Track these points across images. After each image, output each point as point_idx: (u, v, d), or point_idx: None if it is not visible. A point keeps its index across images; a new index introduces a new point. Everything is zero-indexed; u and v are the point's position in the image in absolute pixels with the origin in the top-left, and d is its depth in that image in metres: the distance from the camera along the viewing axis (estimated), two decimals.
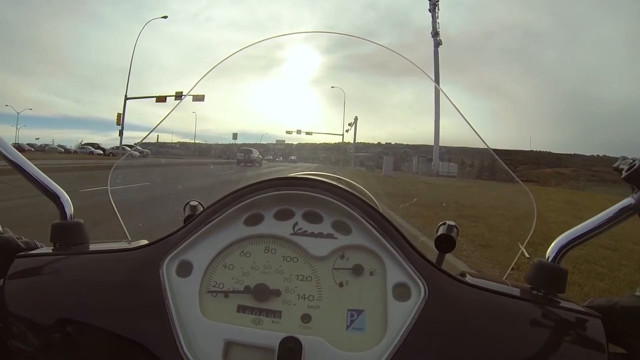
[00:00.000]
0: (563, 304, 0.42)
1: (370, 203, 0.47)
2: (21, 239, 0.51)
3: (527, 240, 0.65)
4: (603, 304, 0.43)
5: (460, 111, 0.68)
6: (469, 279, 0.45)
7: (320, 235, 0.45)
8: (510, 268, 0.69)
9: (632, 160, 0.43)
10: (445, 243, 0.55)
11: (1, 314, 0.45)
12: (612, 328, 0.40)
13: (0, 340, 0.45)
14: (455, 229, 0.56)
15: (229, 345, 0.39)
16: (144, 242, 0.50)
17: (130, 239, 0.60)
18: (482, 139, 0.69)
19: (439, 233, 0.56)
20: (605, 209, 0.45)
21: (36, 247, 0.52)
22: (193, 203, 0.62)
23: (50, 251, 0.50)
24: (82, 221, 0.53)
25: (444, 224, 0.56)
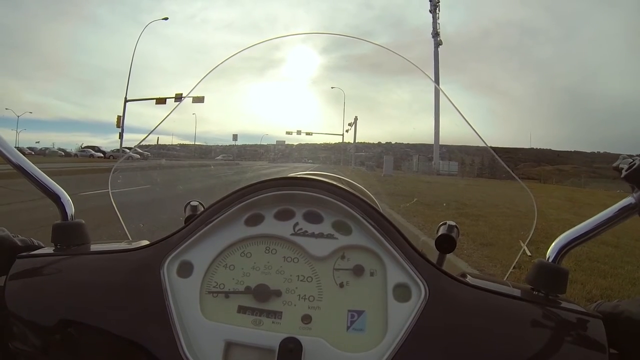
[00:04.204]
0: (564, 304, 0.42)
1: (371, 203, 0.47)
2: (17, 237, 0.51)
3: (528, 239, 0.65)
4: (608, 310, 0.42)
5: (460, 110, 0.68)
6: (469, 279, 0.45)
7: (320, 235, 0.45)
8: (512, 267, 0.69)
9: (632, 160, 0.43)
10: (446, 243, 0.54)
11: (2, 314, 0.45)
12: (614, 330, 0.40)
13: (1, 340, 0.45)
14: (455, 229, 0.56)
15: (229, 346, 0.39)
16: (145, 242, 0.50)
17: (131, 239, 0.60)
18: (481, 138, 0.69)
19: (439, 233, 0.55)
20: (606, 205, 0.45)
21: (34, 245, 0.52)
22: (194, 203, 0.62)
23: (52, 252, 0.50)
24: (83, 222, 0.53)
25: (445, 224, 0.56)
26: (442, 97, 0.72)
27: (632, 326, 0.40)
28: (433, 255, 0.53)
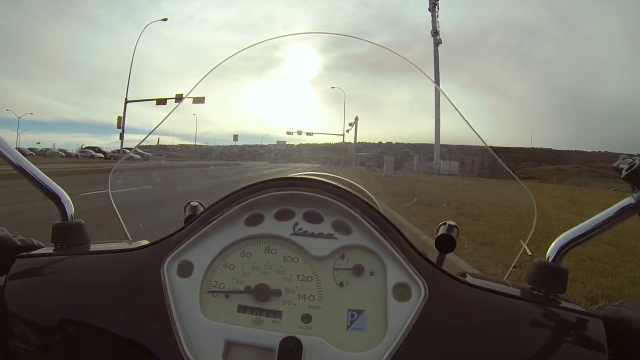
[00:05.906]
0: (563, 304, 0.42)
1: (371, 203, 0.47)
2: (17, 236, 0.51)
3: (528, 238, 0.65)
4: (610, 314, 0.42)
5: (460, 110, 0.68)
6: (469, 279, 0.45)
7: (320, 235, 0.45)
8: (512, 266, 0.69)
9: (632, 160, 0.43)
10: (446, 243, 0.55)
11: (2, 314, 0.45)
12: (614, 333, 0.40)
13: (1, 340, 0.45)
14: (455, 229, 0.56)
15: (229, 345, 0.39)
16: (145, 242, 0.50)
17: (131, 239, 0.60)
18: (481, 138, 0.69)
19: (439, 233, 0.55)
20: (607, 204, 0.45)
21: (34, 245, 0.52)
22: (194, 203, 0.62)
23: (52, 251, 0.50)
24: (82, 221, 0.54)
25: (445, 223, 0.56)
26: (442, 97, 0.72)
27: (633, 330, 0.40)
28: (433, 255, 0.53)
